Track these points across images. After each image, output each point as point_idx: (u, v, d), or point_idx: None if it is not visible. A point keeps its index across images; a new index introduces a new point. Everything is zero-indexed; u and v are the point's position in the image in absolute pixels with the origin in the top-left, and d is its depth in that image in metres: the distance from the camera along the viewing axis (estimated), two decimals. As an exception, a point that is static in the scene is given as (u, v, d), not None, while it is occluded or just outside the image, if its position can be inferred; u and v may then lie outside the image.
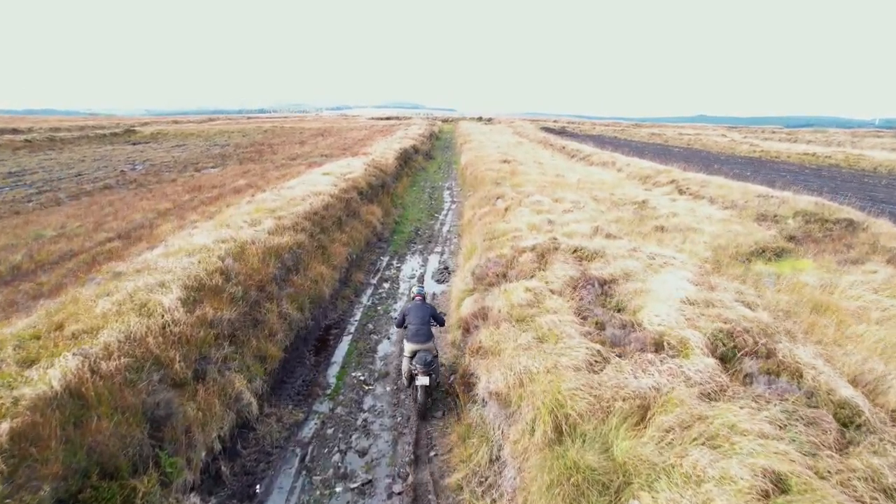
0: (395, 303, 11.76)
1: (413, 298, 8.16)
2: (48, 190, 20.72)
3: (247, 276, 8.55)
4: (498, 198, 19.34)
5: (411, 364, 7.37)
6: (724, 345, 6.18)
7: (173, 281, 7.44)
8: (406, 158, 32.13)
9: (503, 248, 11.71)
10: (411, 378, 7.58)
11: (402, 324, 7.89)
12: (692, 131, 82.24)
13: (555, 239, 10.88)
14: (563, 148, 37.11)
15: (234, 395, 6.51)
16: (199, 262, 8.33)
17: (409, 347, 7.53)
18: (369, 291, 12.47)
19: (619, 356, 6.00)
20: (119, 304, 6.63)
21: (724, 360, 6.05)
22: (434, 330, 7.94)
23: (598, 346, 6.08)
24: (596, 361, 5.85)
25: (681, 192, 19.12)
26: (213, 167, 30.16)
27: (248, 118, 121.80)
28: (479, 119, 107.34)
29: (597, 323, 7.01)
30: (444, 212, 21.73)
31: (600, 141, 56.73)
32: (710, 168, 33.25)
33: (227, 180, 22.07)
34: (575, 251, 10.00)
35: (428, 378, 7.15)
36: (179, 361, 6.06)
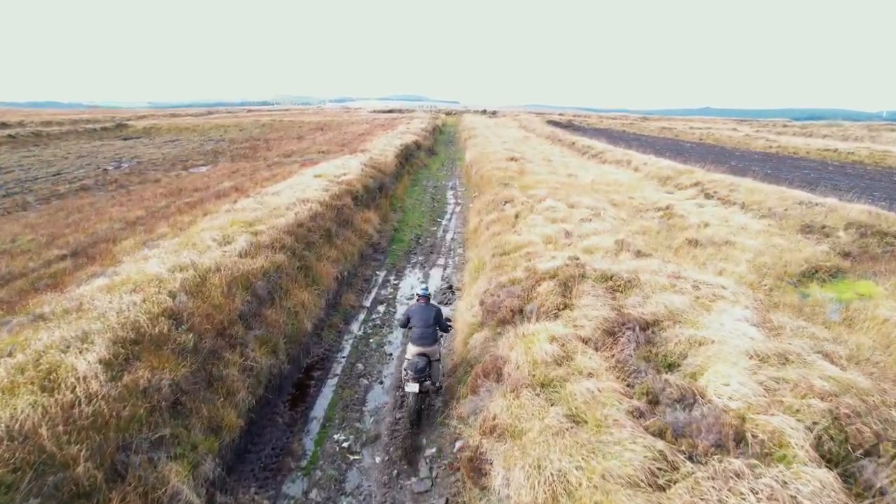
0: (391, 332, 10.14)
1: (417, 300, 7.66)
2: (18, 192, 19.13)
3: (204, 318, 6.92)
4: (506, 202, 17.70)
5: (404, 370, 7.14)
6: (831, 438, 4.53)
7: (101, 332, 5.82)
8: (407, 155, 30.43)
9: (516, 268, 10.06)
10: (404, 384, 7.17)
11: (405, 324, 7.56)
12: (702, 125, 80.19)
13: (578, 261, 9.21)
14: (573, 144, 35.33)
15: (168, 495, 4.89)
16: (144, 300, 6.71)
17: (412, 350, 7.17)
18: (361, 317, 10.85)
19: (690, 457, 4.35)
20: (17, 372, 5.02)
21: (833, 459, 4.42)
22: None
23: (659, 445, 4.41)
24: (660, 470, 4.20)
25: (707, 196, 17.39)
26: (203, 165, 28.53)
27: (249, 111, 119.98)
28: (484, 112, 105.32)
29: (647, 393, 5.36)
30: (448, 216, 20.06)
31: (609, 135, 54.87)
32: (728, 165, 31.45)
33: (212, 181, 20.44)
34: (605, 279, 8.32)
35: (417, 385, 6.80)
36: (87, 460, 4.44)
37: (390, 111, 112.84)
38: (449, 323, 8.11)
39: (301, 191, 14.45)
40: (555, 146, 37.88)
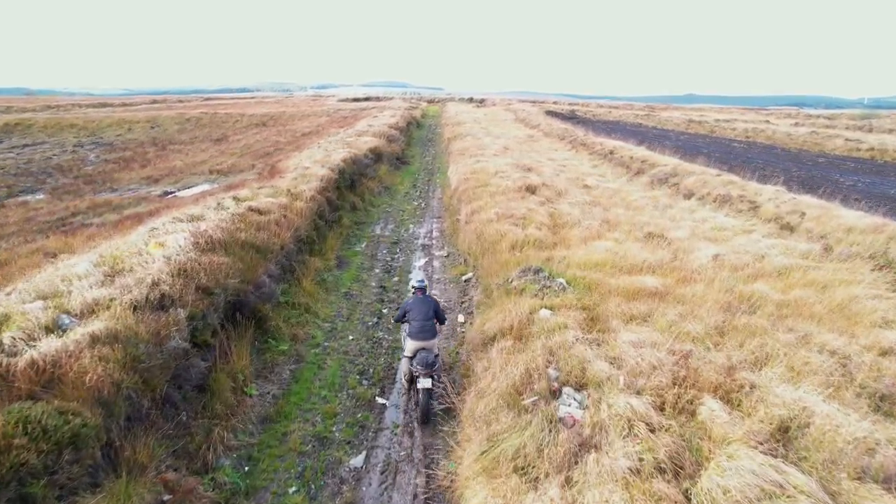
0: None
1: (413, 292, 7.44)
2: None
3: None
4: (570, 392, 6.14)
5: (412, 365, 6.85)
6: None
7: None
8: (353, 177, 18.50)
9: None
10: (412, 380, 7.06)
11: (401, 319, 7.38)
12: (724, 116, 69.13)
13: None
14: (612, 153, 23.42)
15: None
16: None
17: (411, 345, 6.98)
18: None
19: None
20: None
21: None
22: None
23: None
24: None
25: None
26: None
27: (206, 99, 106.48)
28: (470, 101, 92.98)
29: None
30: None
31: (624, 130, 43.49)
32: (841, 190, 20.25)
33: None
34: None
35: (430, 380, 6.64)
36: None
37: (367, 99, 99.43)
38: (445, 315, 8.07)
39: None
40: (579, 154, 26.13)
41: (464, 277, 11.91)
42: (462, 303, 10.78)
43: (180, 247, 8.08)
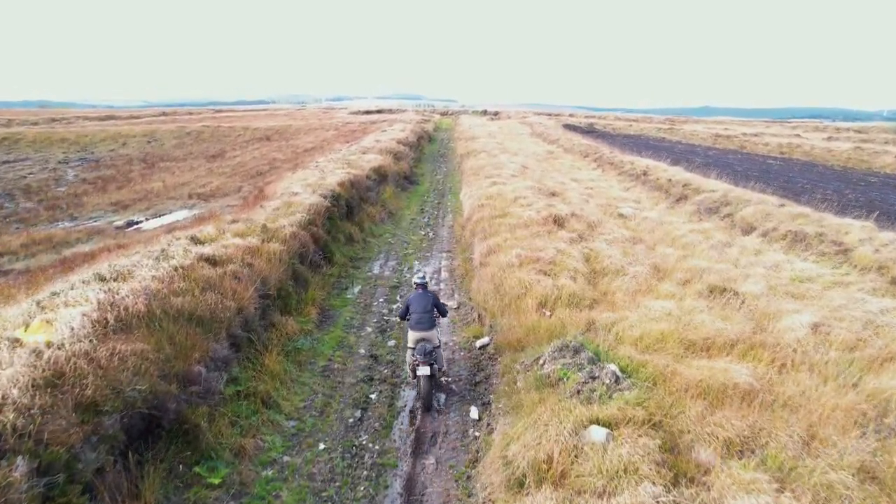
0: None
1: (415, 288, 7.88)
2: None
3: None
4: None
5: (413, 355, 7.26)
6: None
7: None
8: (351, 202, 16.04)
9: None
10: (415, 369, 7.28)
11: (405, 315, 7.74)
12: (750, 129, 66.10)
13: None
14: (645, 174, 20.73)
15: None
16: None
17: (411, 336, 7.44)
18: None
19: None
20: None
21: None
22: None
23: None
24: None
25: None
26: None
27: (215, 111, 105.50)
28: (484, 113, 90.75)
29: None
30: None
31: (646, 145, 40.71)
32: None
33: None
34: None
35: (429, 368, 7.06)
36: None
37: (378, 111, 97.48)
38: (447, 306, 8.54)
39: None
40: (607, 175, 23.49)
41: (478, 343, 9.36)
42: (476, 383, 8.19)
43: (72, 329, 5.64)
